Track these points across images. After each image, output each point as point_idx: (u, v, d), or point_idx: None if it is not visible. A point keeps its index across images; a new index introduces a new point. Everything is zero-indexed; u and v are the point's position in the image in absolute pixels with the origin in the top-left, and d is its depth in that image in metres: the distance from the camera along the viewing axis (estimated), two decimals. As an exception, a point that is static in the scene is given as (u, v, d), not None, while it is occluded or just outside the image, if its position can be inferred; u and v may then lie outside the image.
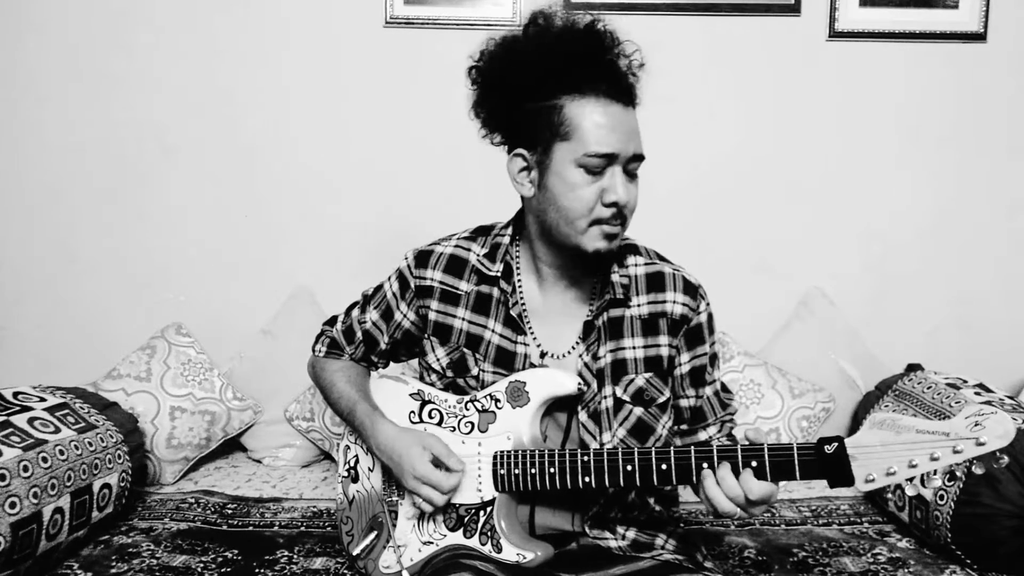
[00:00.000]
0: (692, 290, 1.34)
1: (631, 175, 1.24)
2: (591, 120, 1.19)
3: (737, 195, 2.51)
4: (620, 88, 1.22)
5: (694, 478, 1.17)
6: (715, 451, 1.16)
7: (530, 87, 1.22)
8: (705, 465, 1.15)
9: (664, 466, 1.18)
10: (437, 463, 1.29)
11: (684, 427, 1.38)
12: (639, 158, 1.23)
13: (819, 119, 2.49)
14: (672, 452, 1.18)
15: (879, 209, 2.51)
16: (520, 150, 1.27)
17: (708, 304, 1.35)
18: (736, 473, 1.13)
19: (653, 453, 1.19)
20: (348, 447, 1.50)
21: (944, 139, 2.49)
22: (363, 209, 2.52)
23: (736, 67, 2.47)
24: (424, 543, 1.33)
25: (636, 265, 1.34)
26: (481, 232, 1.41)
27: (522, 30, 1.27)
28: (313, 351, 1.54)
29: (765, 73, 2.47)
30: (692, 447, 1.18)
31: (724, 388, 1.40)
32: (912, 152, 2.50)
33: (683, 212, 2.46)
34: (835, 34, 2.44)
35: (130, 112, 2.49)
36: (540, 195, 1.25)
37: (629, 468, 1.19)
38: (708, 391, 1.36)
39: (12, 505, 1.55)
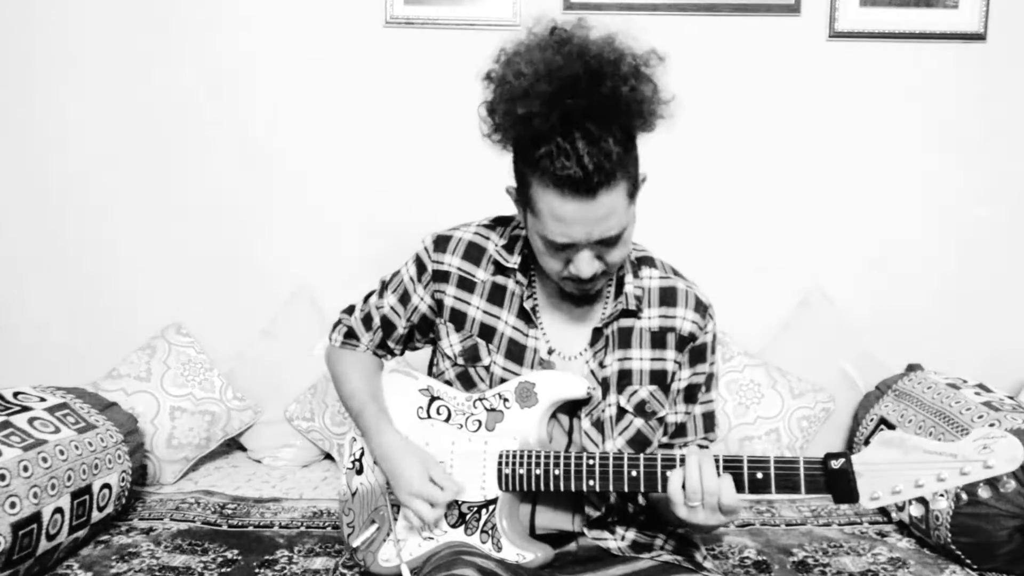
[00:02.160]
0: (702, 309, 1.34)
1: (609, 244, 1.17)
2: (548, 208, 1.13)
3: (737, 195, 2.50)
4: (583, 181, 1.08)
5: None
6: (721, 459, 1.15)
7: (507, 145, 1.20)
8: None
9: (669, 472, 1.17)
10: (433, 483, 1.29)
11: (664, 439, 1.37)
12: (612, 238, 1.15)
13: (819, 119, 2.48)
14: (678, 458, 1.18)
15: (879, 209, 2.51)
16: (512, 189, 1.25)
17: (715, 324, 1.36)
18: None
19: (659, 459, 1.18)
20: (355, 439, 1.50)
21: (944, 139, 2.48)
22: (363, 209, 2.51)
23: (736, 67, 2.46)
24: (425, 538, 1.34)
25: (651, 278, 1.35)
26: (500, 223, 1.40)
27: (512, 73, 1.15)
28: (329, 339, 1.53)
29: (765, 73, 2.47)
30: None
31: (713, 416, 1.40)
32: (912, 152, 2.49)
33: (683, 212, 2.45)
34: (835, 34, 2.44)
35: (130, 112, 2.49)
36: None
37: (634, 473, 1.19)
38: (697, 410, 1.37)
39: (12, 505, 1.55)
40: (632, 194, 1.18)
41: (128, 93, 2.49)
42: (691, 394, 1.36)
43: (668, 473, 1.16)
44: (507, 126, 1.16)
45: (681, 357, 1.33)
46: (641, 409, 1.32)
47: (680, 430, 1.36)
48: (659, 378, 1.33)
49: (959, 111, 2.47)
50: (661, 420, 1.34)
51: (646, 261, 1.37)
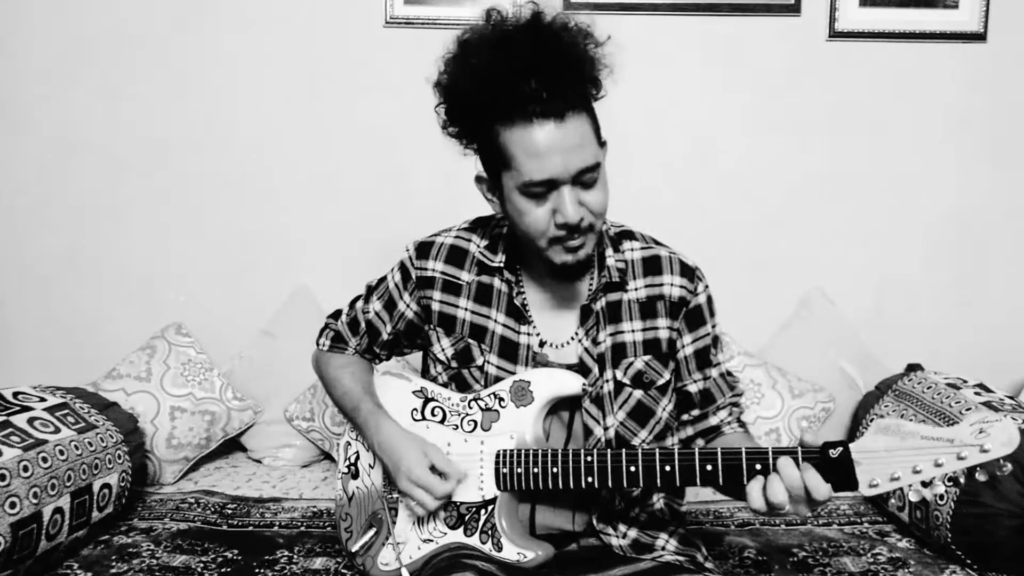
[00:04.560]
0: (689, 272, 1.35)
1: (588, 184, 1.19)
2: (521, 148, 1.16)
3: (737, 195, 2.51)
4: (549, 105, 1.13)
5: (697, 480, 1.16)
6: (719, 454, 1.15)
7: (469, 121, 1.23)
8: (758, 466, 1.12)
9: (668, 467, 1.18)
10: (435, 470, 1.29)
11: (695, 412, 1.37)
12: (589, 170, 1.17)
13: (819, 119, 2.49)
14: (676, 453, 1.18)
15: (879, 209, 2.51)
16: (482, 172, 1.28)
17: (707, 287, 1.37)
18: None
19: (657, 454, 1.18)
20: (349, 443, 1.50)
21: (944, 139, 2.49)
22: (363, 209, 2.52)
23: (736, 67, 2.46)
24: (424, 541, 1.33)
25: (632, 250, 1.36)
26: (480, 224, 1.42)
27: (459, 48, 1.23)
28: (317, 344, 1.54)
29: (765, 73, 2.47)
30: (696, 449, 1.18)
31: (729, 372, 1.41)
32: (911, 152, 2.50)
33: (683, 211, 2.45)
34: (835, 34, 2.44)
35: (130, 112, 2.49)
36: (505, 214, 1.27)
37: (632, 469, 1.19)
38: (714, 372, 1.37)
39: (12, 505, 1.55)
40: (598, 133, 1.21)
41: (129, 94, 2.49)
42: (703, 359, 1.36)
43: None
44: (470, 96, 1.19)
45: (677, 324, 1.34)
46: (639, 380, 1.32)
47: (707, 397, 1.37)
48: (653, 347, 1.33)
49: (959, 111, 2.47)
50: (662, 389, 1.34)
51: (625, 235, 1.38)
